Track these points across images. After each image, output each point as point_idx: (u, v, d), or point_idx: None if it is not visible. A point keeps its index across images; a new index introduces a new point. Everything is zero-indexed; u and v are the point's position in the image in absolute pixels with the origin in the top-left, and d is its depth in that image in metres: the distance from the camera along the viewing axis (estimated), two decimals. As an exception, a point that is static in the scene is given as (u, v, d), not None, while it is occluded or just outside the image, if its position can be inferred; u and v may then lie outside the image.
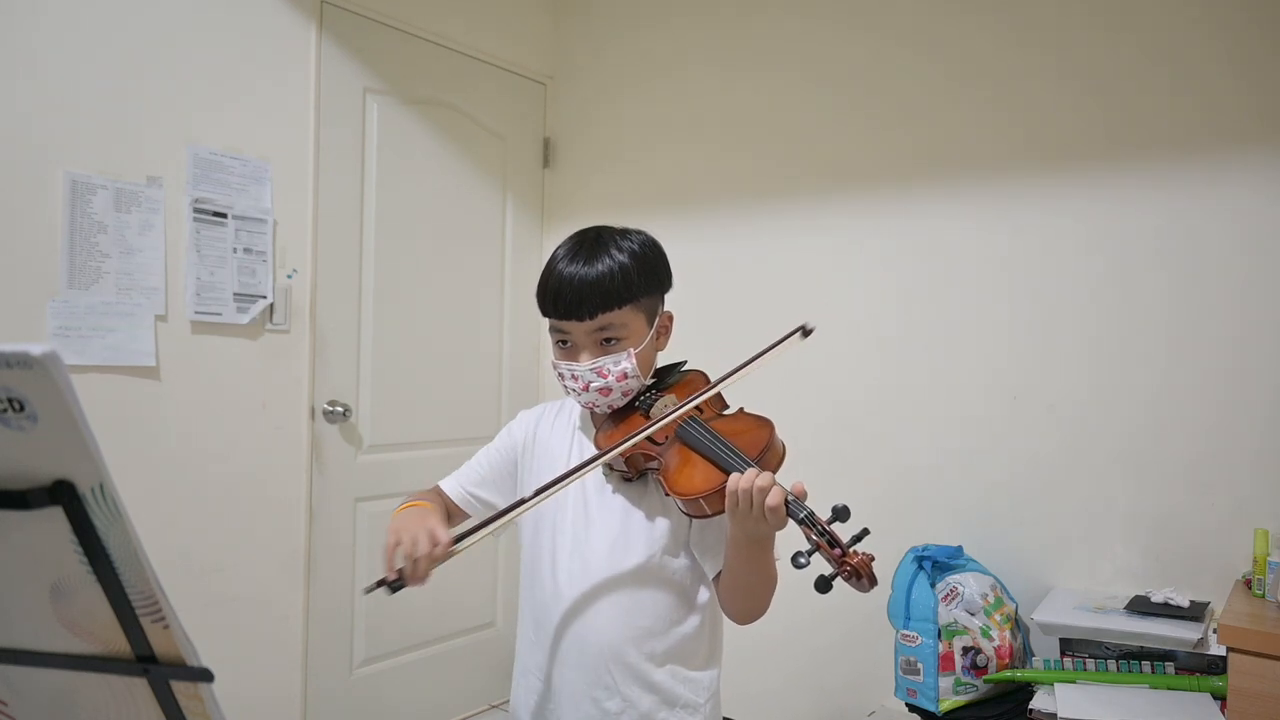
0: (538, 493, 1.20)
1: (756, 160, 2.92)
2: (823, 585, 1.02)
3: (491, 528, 1.19)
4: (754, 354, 1.23)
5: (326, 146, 2.69)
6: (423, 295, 3.00)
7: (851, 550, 1.02)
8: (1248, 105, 2.13)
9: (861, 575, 1.01)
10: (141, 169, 2.27)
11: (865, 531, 1.05)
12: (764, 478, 1.06)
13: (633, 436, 1.20)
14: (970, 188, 2.51)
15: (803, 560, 1.02)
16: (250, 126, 2.50)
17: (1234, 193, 2.14)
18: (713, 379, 1.36)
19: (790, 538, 1.11)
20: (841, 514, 1.04)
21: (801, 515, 1.05)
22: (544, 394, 3.39)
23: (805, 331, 1.22)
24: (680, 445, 1.22)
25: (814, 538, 1.04)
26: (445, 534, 1.16)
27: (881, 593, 2.34)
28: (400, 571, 1.13)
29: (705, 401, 1.29)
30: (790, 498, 1.06)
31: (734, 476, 1.08)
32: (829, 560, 1.03)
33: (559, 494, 1.33)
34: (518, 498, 1.33)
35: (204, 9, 2.39)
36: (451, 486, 1.42)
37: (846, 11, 2.74)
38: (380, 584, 1.13)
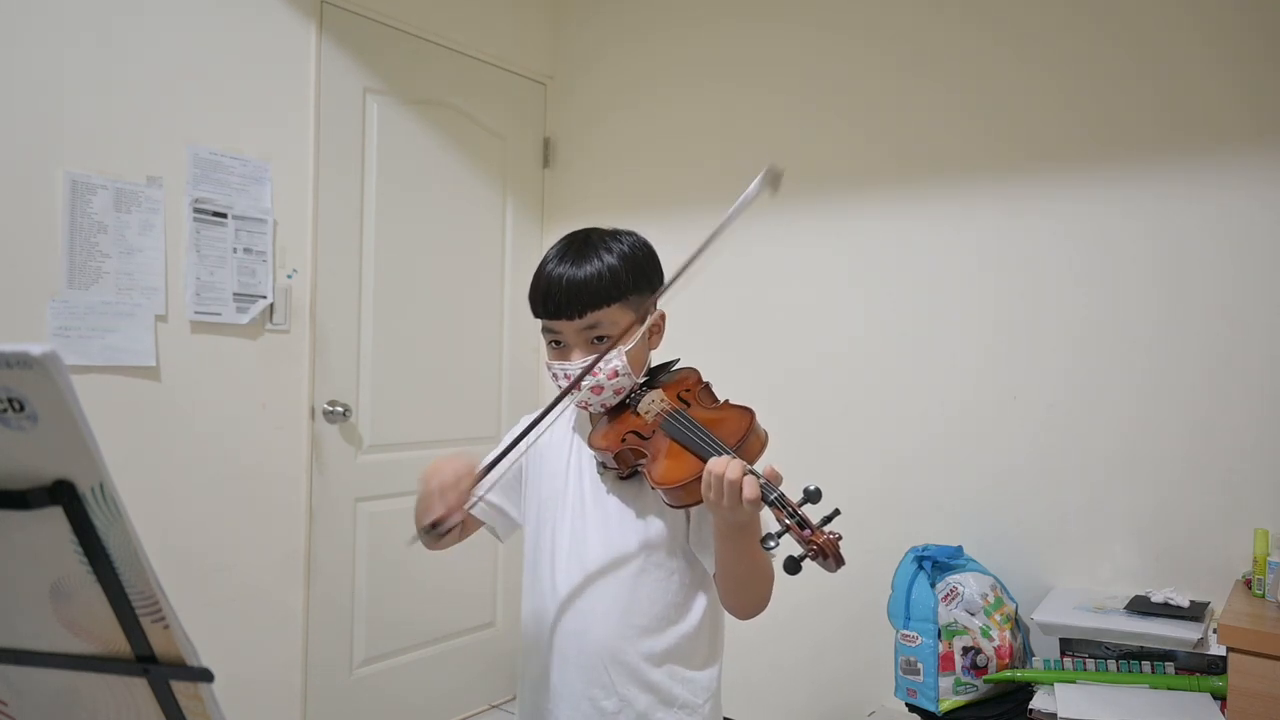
0: (545, 413, 1.25)
1: (754, 161, 2.89)
2: (791, 566, 1.02)
3: (515, 454, 1.23)
4: (724, 217, 1.15)
5: (326, 146, 2.69)
6: (423, 295, 3.00)
7: (818, 530, 1.02)
8: (1235, 106, 2.13)
9: (828, 555, 1.00)
10: (141, 169, 2.28)
11: (836, 512, 1.04)
12: (735, 465, 1.06)
13: (567, 391, 1.24)
14: (969, 189, 2.51)
15: (772, 544, 1.03)
16: (250, 126, 2.50)
17: (1221, 194, 2.15)
18: (705, 379, 1.36)
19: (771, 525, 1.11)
20: (813, 496, 1.04)
21: (772, 497, 1.05)
22: (544, 394, 3.38)
23: (774, 175, 1.16)
24: (665, 438, 1.23)
25: (785, 520, 1.04)
26: (474, 461, 1.18)
27: (882, 592, 2.34)
28: (439, 508, 1.15)
29: (692, 394, 1.30)
30: (760, 481, 1.06)
31: (710, 461, 1.09)
32: (798, 541, 1.03)
33: (557, 494, 1.34)
34: (523, 501, 1.39)
35: (204, 9, 2.39)
36: None
37: (841, 20, 2.74)
38: (423, 530, 1.16)
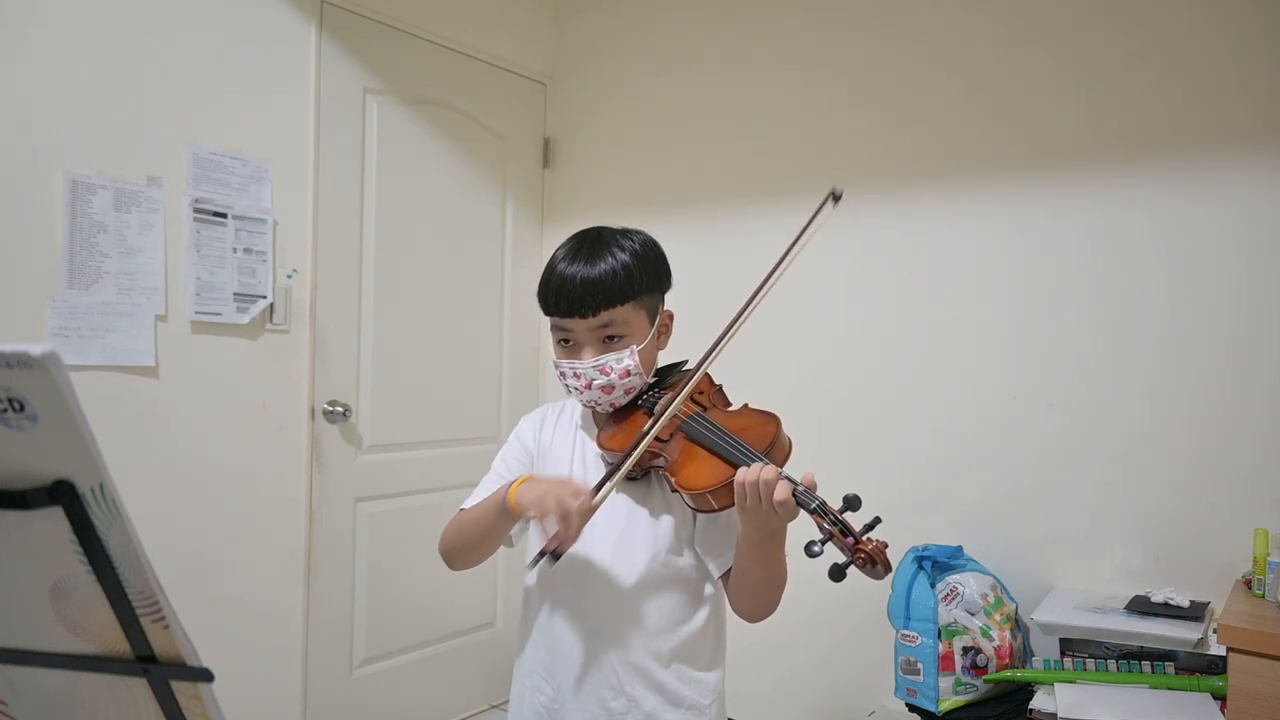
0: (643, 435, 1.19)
1: (757, 160, 2.91)
2: (837, 574, 1.02)
3: (622, 471, 1.18)
4: (793, 238, 1.24)
5: (326, 146, 2.69)
6: (423, 295, 3.00)
7: (865, 538, 1.02)
8: (1250, 105, 2.13)
9: (876, 562, 1.01)
10: (141, 169, 2.27)
11: (877, 520, 1.05)
12: (769, 470, 1.06)
13: (644, 435, 1.19)
14: (972, 187, 2.50)
15: (817, 549, 1.02)
16: (250, 126, 2.50)
17: (1236, 192, 2.14)
18: (716, 381, 1.35)
19: (802, 529, 1.11)
20: (853, 503, 1.04)
21: (813, 505, 1.05)
22: (544, 394, 3.38)
23: (836, 197, 1.23)
24: (686, 441, 1.21)
25: (827, 527, 1.04)
26: (584, 486, 1.14)
27: (882, 592, 2.34)
28: (557, 537, 1.12)
29: (706, 396, 1.29)
30: (800, 488, 1.06)
31: (741, 470, 1.08)
32: (842, 549, 1.03)
33: None
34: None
35: (204, 9, 2.39)
36: None
37: (847, 10, 2.73)
38: (542, 555, 1.13)
